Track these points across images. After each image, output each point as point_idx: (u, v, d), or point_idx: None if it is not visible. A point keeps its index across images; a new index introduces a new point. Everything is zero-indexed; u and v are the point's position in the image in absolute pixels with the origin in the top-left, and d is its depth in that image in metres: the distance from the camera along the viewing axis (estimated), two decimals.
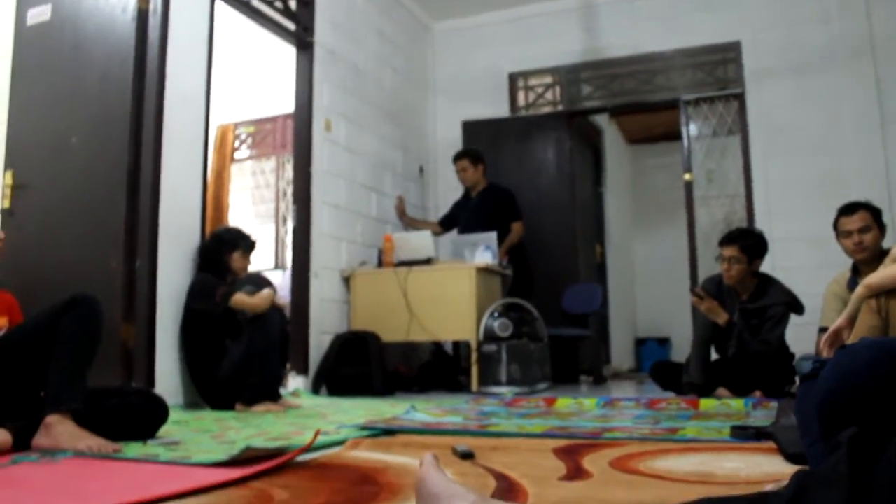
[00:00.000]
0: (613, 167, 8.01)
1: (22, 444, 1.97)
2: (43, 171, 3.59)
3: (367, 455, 1.90)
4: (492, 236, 4.89)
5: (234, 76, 6.04)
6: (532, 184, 5.83)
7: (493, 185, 5.33)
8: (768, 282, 3.74)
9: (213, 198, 6.02)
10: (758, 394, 3.53)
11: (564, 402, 3.39)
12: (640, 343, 8.45)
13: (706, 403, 3.19)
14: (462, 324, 4.62)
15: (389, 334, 4.72)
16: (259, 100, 6.42)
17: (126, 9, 3.51)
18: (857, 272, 3.32)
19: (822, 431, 1.21)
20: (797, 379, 3.18)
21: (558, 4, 6.09)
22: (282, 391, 3.73)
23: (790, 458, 1.67)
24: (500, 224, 5.11)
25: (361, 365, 4.46)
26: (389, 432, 2.37)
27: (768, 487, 1.05)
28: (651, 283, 8.60)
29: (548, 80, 6.21)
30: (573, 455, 1.83)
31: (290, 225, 4.87)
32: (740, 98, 5.47)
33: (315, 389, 4.46)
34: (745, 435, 2.06)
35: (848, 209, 3.40)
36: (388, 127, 5.72)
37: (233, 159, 6.57)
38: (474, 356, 4.58)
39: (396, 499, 1.35)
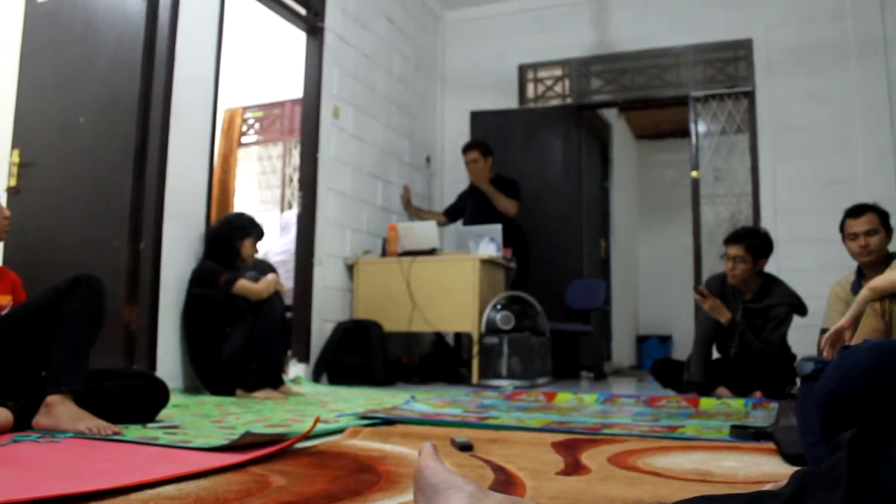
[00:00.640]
0: (620, 162, 7.98)
1: (23, 423, 1.98)
2: (50, 151, 3.59)
3: (366, 444, 1.91)
4: (497, 228, 4.88)
5: (244, 60, 6.03)
6: (539, 177, 5.82)
7: (498, 177, 5.31)
8: (772, 282, 3.73)
9: (219, 182, 6.01)
10: (758, 394, 3.53)
11: (564, 397, 3.39)
12: (642, 340, 8.45)
13: (706, 402, 3.19)
14: (464, 315, 4.62)
15: (391, 324, 4.72)
16: (267, 85, 6.40)
17: None
18: (862, 275, 3.30)
19: (822, 432, 1.20)
20: (798, 380, 3.18)
21: None
22: (283, 378, 3.74)
23: (789, 458, 1.67)
24: (506, 216, 5.11)
25: (363, 354, 4.47)
26: (389, 422, 2.37)
27: (767, 487, 1.05)
28: (654, 279, 8.59)
29: (557, 72, 6.19)
30: (572, 450, 1.83)
31: (295, 211, 4.86)
32: (750, 96, 5.44)
33: (316, 377, 4.46)
34: (744, 435, 2.06)
35: (855, 211, 3.36)
36: (396, 115, 5.71)
37: (240, 144, 6.55)
38: (475, 348, 4.58)
39: (395, 488, 1.35)
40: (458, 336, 5.40)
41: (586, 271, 6.03)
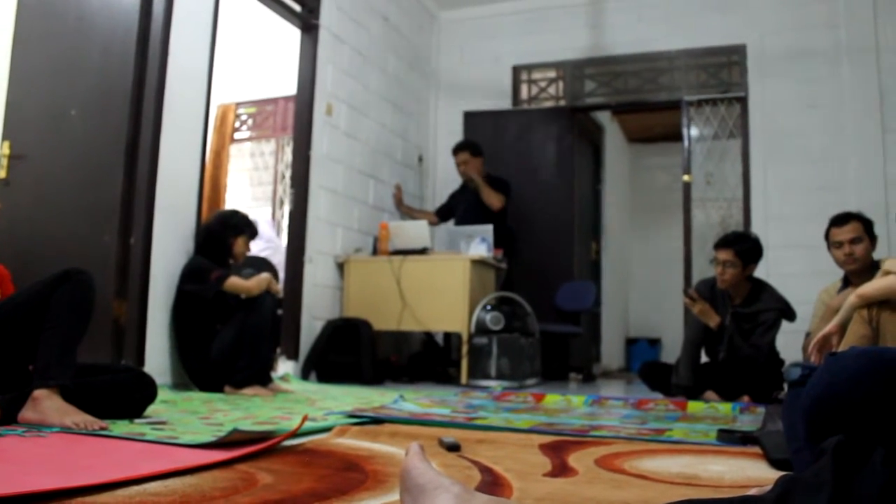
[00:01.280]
0: (613, 165, 8.00)
1: (9, 417, 1.97)
2: (41, 143, 3.56)
3: (354, 443, 1.91)
4: (488, 229, 4.89)
5: (238, 55, 6.01)
6: (531, 178, 5.82)
7: (489, 177, 5.31)
8: (762, 287, 3.75)
9: (211, 178, 5.99)
10: (746, 399, 3.54)
11: (553, 399, 3.40)
12: (631, 342, 8.47)
13: (694, 406, 3.20)
14: (454, 315, 4.63)
15: (381, 322, 4.72)
16: (261, 81, 6.38)
17: None
18: (848, 283, 3.32)
19: (807, 438, 1.21)
20: (785, 385, 3.20)
21: None
22: (272, 375, 3.73)
23: (775, 463, 1.68)
24: (497, 216, 5.11)
25: (352, 352, 4.46)
26: (377, 421, 2.37)
27: (752, 491, 1.05)
28: (645, 282, 8.61)
29: (551, 74, 6.19)
30: (559, 452, 1.84)
31: (286, 208, 4.85)
32: (743, 101, 5.46)
33: (304, 375, 4.46)
34: (731, 439, 2.07)
35: (839, 220, 3.38)
36: (389, 114, 5.70)
37: (232, 139, 6.52)
38: (465, 348, 4.59)
39: (381, 487, 1.35)
40: (447, 336, 5.40)
41: (577, 273, 6.04)
